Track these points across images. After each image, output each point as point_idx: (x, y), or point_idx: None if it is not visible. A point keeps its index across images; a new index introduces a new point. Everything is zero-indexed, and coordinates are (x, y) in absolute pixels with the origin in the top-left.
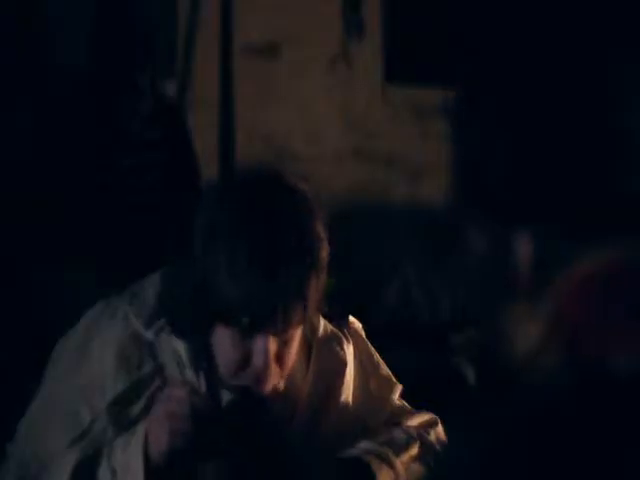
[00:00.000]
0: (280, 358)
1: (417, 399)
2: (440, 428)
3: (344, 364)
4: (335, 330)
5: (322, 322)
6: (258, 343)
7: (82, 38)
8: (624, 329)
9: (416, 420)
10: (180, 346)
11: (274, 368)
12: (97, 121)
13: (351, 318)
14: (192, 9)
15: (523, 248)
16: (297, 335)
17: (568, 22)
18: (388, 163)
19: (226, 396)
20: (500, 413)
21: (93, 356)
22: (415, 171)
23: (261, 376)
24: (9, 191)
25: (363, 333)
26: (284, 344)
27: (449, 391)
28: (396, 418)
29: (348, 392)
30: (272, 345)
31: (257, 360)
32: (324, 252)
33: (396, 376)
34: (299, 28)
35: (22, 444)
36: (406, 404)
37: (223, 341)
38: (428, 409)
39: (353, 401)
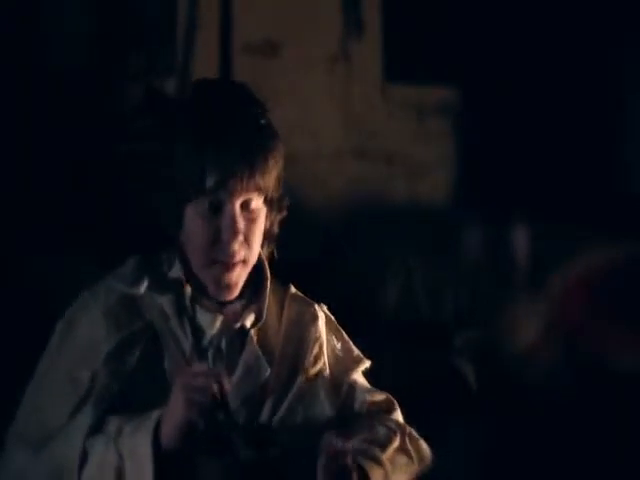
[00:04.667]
0: (246, 235)
1: (418, 398)
2: (398, 411)
3: (315, 317)
4: (307, 298)
5: (293, 289)
6: (225, 212)
7: (80, 38)
8: (622, 328)
9: (377, 402)
10: (163, 300)
11: (242, 245)
12: (93, 110)
13: (323, 304)
14: (192, 8)
15: (521, 247)
16: (261, 215)
17: (568, 21)
18: (388, 161)
19: (208, 327)
20: (500, 413)
21: (81, 326)
22: (415, 169)
23: (230, 250)
24: (8, 183)
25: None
26: (249, 222)
27: (450, 391)
28: (353, 391)
29: (321, 343)
30: (239, 217)
31: (226, 233)
32: (277, 134)
33: (397, 376)
34: (299, 27)
35: (24, 419)
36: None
37: (194, 225)
38: (429, 409)
39: (324, 359)
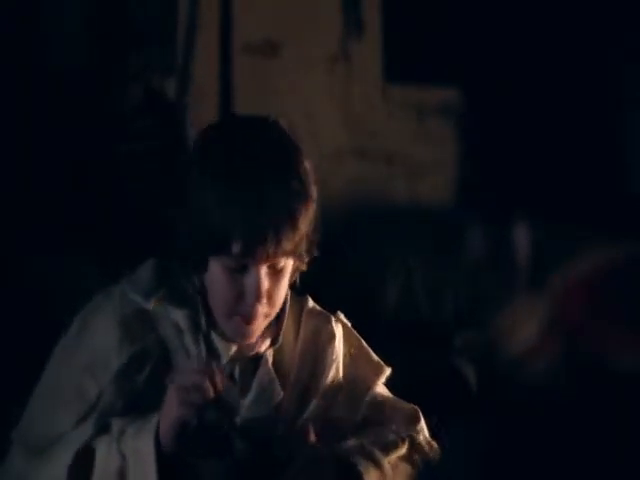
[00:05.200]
0: (271, 293)
1: (418, 399)
2: (423, 421)
3: (332, 336)
4: (324, 310)
5: (311, 302)
6: (250, 277)
7: (80, 38)
8: (622, 328)
9: (400, 414)
10: (178, 315)
11: (264, 303)
12: (92, 110)
13: (339, 312)
14: (192, 7)
15: (522, 246)
16: (288, 269)
17: (569, 21)
18: (388, 162)
19: (224, 353)
20: (500, 413)
21: (95, 332)
22: (415, 169)
23: (252, 310)
24: (9, 183)
25: (350, 325)
26: (275, 278)
27: (450, 391)
28: (377, 404)
29: (338, 364)
30: (265, 279)
31: (249, 295)
32: (313, 184)
33: (397, 376)
34: (299, 27)
35: (28, 424)
36: (390, 393)
37: (217, 277)
38: (429, 409)
39: (342, 376)
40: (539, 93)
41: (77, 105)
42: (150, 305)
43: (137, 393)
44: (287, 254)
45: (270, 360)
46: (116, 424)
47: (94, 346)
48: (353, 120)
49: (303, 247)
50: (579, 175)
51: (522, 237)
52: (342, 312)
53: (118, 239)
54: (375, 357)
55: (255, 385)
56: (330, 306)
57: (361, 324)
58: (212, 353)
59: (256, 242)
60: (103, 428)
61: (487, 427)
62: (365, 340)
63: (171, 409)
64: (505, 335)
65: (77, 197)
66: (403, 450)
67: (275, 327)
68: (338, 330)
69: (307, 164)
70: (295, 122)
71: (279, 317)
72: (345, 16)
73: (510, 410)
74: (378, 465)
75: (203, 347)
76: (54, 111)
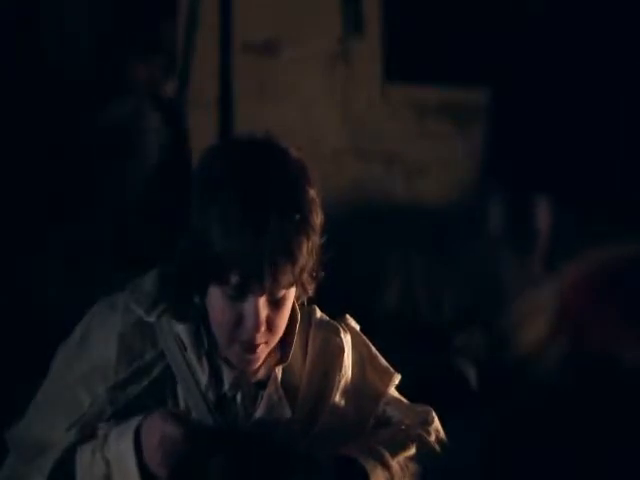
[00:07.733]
0: (271, 321)
1: (418, 399)
2: (437, 422)
3: (341, 350)
4: (331, 320)
5: (319, 312)
6: (249, 305)
7: (80, 38)
8: (626, 326)
9: (412, 416)
10: (181, 329)
11: (265, 332)
12: (92, 110)
13: (347, 315)
14: (192, 7)
15: (544, 221)
16: (289, 298)
17: (568, 20)
18: (388, 161)
19: (227, 377)
20: (500, 412)
21: (95, 342)
22: (415, 169)
23: (251, 338)
24: (8, 183)
25: (358, 328)
26: (276, 307)
27: (450, 391)
28: (390, 410)
29: (347, 378)
30: (263, 308)
31: (248, 322)
32: (316, 214)
33: None
34: (298, 26)
35: (24, 426)
36: (402, 397)
37: (216, 302)
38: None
39: (352, 388)
40: (542, 91)
41: (76, 105)
42: (153, 318)
43: (133, 405)
44: (286, 287)
45: (279, 377)
46: (102, 429)
47: (93, 358)
48: (353, 120)
49: (305, 276)
50: (589, 174)
51: (544, 214)
52: (342, 312)
53: (119, 239)
54: (384, 363)
55: (263, 404)
56: (330, 306)
57: (361, 324)
58: (215, 374)
59: (253, 277)
60: (89, 435)
61: (487, 426)
62: None
63: (155, 459)
64: (512, 331)
65: (77, 197)
66: (412, 450)
67: (283, 345)
68: (347, 341)
69: (312, 192)
70: (295, 122)
71: (288, 335)
72: (345, 16)
73: (510, 409)
74: (386, 465)
75: (206, 364)
76: (53, 111)
